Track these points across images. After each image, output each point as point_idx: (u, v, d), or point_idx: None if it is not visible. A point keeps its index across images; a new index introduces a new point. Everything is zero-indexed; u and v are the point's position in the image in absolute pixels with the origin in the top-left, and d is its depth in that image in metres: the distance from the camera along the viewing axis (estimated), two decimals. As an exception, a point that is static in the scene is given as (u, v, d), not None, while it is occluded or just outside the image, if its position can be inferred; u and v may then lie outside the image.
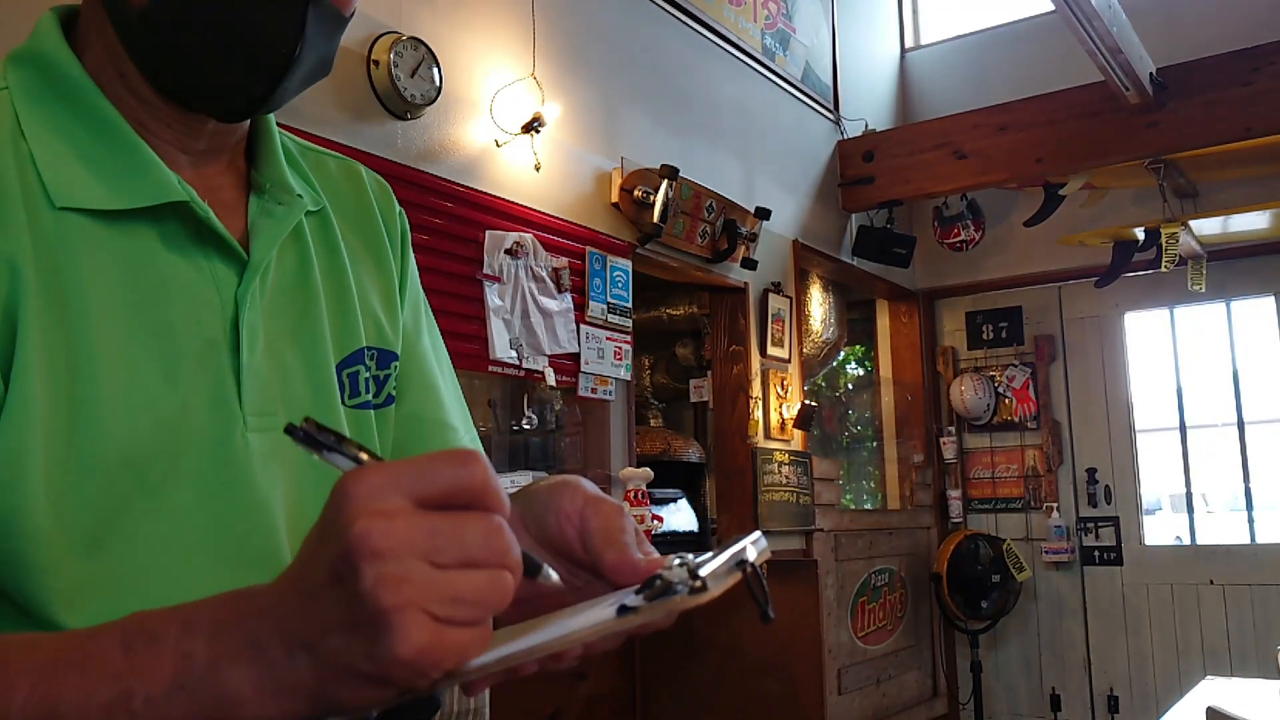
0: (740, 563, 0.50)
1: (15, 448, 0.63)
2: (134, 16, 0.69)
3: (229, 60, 0.70)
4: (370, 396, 0.83)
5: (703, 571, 0.48)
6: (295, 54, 0.70)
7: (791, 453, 4.45)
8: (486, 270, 3.09)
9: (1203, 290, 4.80)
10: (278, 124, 0.84)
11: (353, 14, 0.76)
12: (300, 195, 0.80)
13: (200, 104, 0.72)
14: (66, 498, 0.64)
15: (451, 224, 3.03)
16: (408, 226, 0.92)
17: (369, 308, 0.84)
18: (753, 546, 0.51)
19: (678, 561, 0.50)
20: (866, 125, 5.30)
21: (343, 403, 0.80)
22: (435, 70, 2.94)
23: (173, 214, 0.71)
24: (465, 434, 0.90)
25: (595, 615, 0.50)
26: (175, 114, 0.73)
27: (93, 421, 0.65)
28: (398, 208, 0.92)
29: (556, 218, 3.39)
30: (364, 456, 0.49)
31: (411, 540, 0.45)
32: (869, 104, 5.51)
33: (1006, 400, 5.53)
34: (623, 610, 0.49)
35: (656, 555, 0.58)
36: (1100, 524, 5.27)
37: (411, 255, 0.92)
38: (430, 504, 0.47)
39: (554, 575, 0.54)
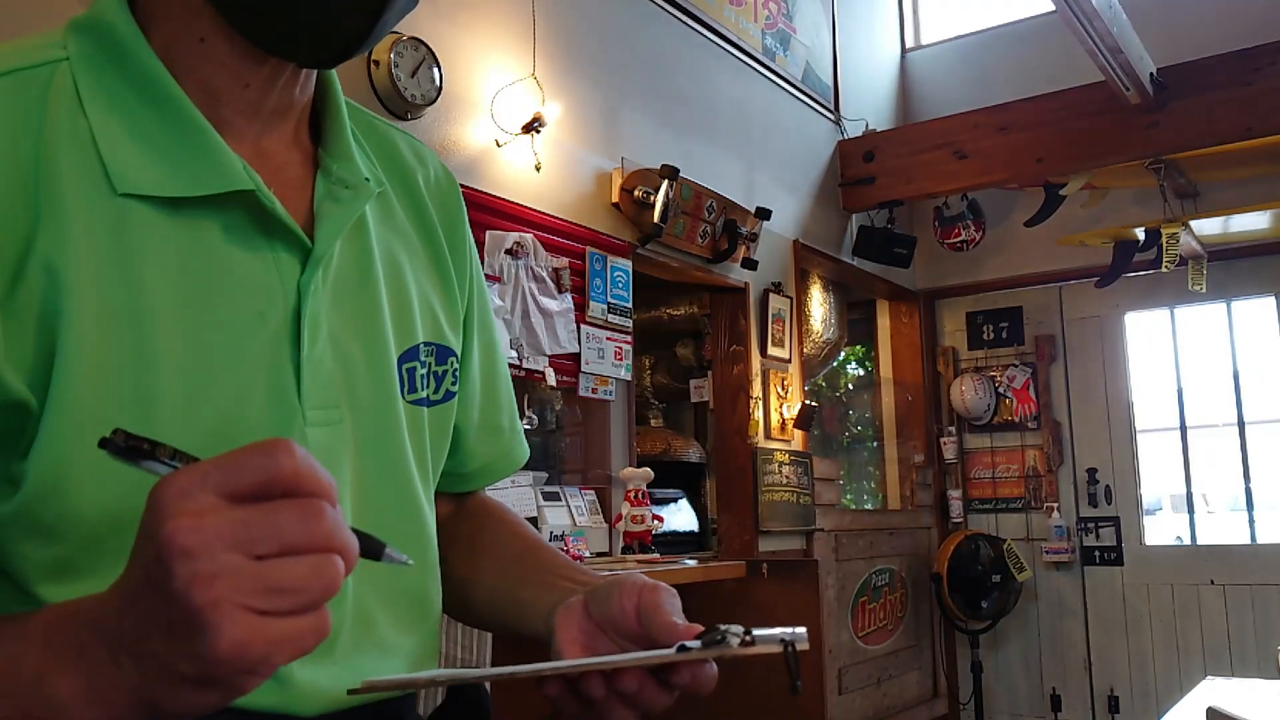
0: (783, 641, 0.60)
1: (62, 456, 0.61)
2: None
3: None
4: (428, 393, 0.80)
5: (754, 633, 0.59)
6: None
7: (792, 453, 4.45)
8: (487, 270, 3.09)
9: (1203, 290, 4.80)
10: None
11: None
12: (368, 179, 0.76)
13: (294, 50, 0.67)
14: (121, 500, 0.62)
15: (452, 224, 3.02)
16: (466, 217, 0.90)
17: (426, 302, 0.81)
18: (797, 633, 0.61)
19: (723, 628, 0.61)
20: (867, 125, 5.29)
21: (401, 397, 0.77)
22: (435, 70, 2.94)
23: (237, 201, 0.68)
24: (508, 423, 0.93)
25: (657, 653, 0.63)
26: (253, 69, 0.69)
27: (149, 419, 0.63)
28: (461, 200, 0.89)
29: (557, 218, 3.39)
30: (178, 463, 0.48)
31: (221, 535, 0.44)
32: (869, 104, 5.51)
33: (1007, 400, 5.53)
34: (682, 648, 0.61)
35: (699, 628, 0.64)
36: (1101, 524, 5.27)
37: (474, 247, 0.90)
38: (243, 497, 0.46)
39: (401, 555, 0.53)
